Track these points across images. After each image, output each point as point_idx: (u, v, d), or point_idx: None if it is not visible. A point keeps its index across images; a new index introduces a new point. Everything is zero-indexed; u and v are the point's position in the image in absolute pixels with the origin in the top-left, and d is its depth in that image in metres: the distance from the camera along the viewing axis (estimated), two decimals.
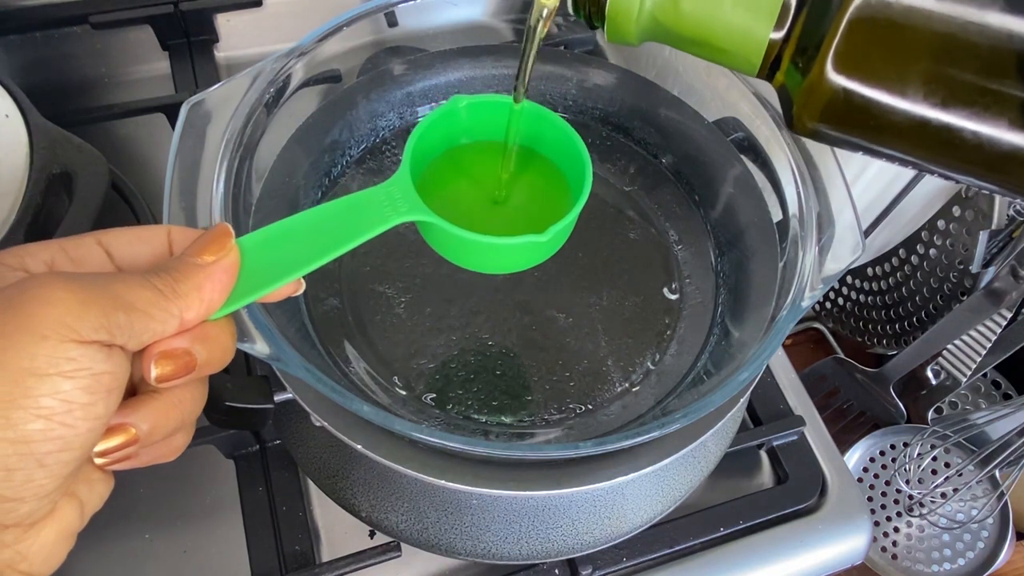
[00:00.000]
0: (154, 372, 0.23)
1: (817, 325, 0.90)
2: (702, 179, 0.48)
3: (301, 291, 0.28)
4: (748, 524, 0.47)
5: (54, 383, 0.20)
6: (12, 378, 0.20)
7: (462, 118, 0.36)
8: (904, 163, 0.27)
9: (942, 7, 0.24)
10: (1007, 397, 0.84)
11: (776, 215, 0.43)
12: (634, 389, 0.41)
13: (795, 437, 0.50)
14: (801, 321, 0.37)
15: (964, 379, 0.72)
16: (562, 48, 0.58)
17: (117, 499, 0.45)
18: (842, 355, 0.85)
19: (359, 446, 0.34)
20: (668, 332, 0.43)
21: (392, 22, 0.46)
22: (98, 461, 0.24)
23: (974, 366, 0.71)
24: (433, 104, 0.50)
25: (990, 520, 0.76)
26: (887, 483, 0.79)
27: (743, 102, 0.43)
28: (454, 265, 0.34)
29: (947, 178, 0.27)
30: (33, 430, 0.20)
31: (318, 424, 0.35)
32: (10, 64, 0.61)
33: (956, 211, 0.68)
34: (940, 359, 0.73)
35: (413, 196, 0.32)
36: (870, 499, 0.79)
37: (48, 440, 0.20)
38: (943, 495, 0.76)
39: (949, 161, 0.26)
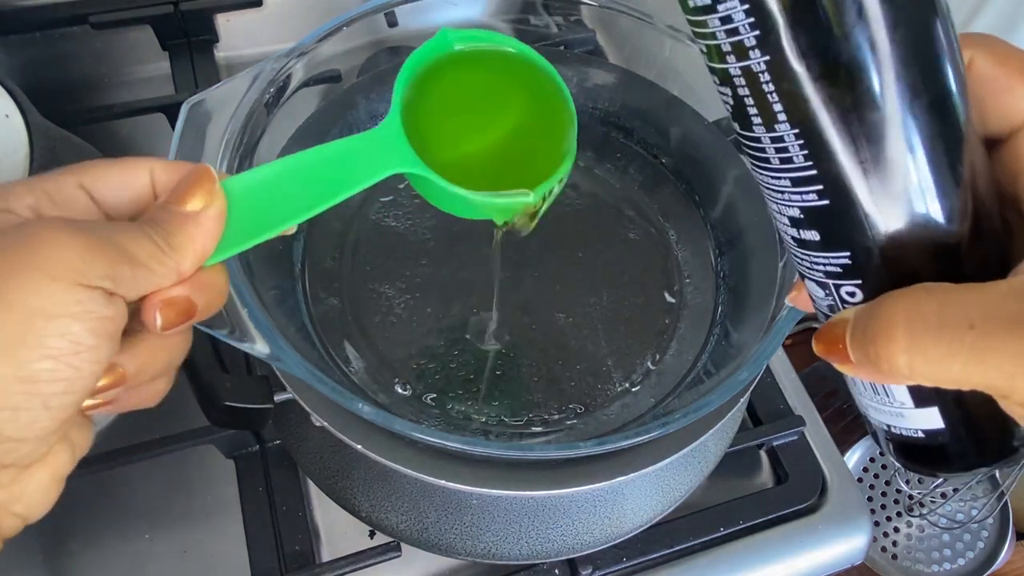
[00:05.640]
0: (159, 321, 0.24)
1: (817, 325, 0.90)
2: (702, 179, 0.48)
3: (292, 232, 0.28)
4: (748, 524, 0.47)
5: (64, 324, 0.20)
6: (21, 317, 0.20)
7: (453, 55, 0.35)
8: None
9: None
10: None
11: None
12: (634, 389, 0.41)
13: (795, 437, 0.50)
14: (801, 321, 0.37)
15: None
16: (562, 48, 0.58)
17: (117, 499, 0.46)
18: None
19: (359, 446, 0.34)
20: (668, 332, 0.43)
21: (392, 22, 0.46)
22: (86, 402, 0.24)
23: None
24: None
25: (990, 520, 0.76)
26: (887, 483, 0.79)
27: None
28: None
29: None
30: (41, 370, 0.20)
31: (318, 424, 0.35)
32: (10, 64, 0.61)
33: None
34: None
35: (405, 147, 0.31)
36: (870, 499, 0.79)
37: (55, 381, 0.21)
38: (943, 495, 0.76)
39: None
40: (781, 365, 0.54)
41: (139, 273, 0.23)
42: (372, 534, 0.45)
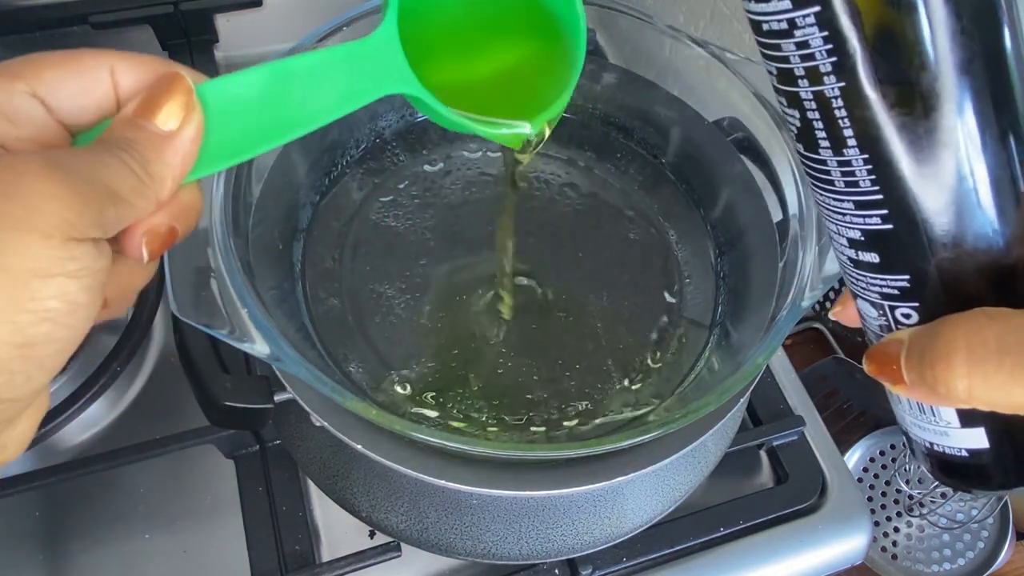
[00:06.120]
0: (145, 254, 0.23)
1: (817, 325, 0.90)
2: (702, 179, 0.48)
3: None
4: (748, 524, 0.47)
5: (60, 284, 0.19)
6: (16, 280, 0.19)
7: None
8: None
9: None
10: None
11: (776, 215, 0.43)
12: (634, 388, 0.41)
13: (795, 437, 0.50)
14: (801, 321, 0.37)
15: None
16: None
17: (117, 499, 0.46)
18: (842, 355, 0.85)
19: (359, 446, 0.34)
20: (668, 332, 0.43)
21: None
22: None
23: None
24: None
25: (990, 520, 0.76)
26: (887, 483, 0.79)
27: (743, 102, 0.43)
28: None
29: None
30: (39, 333, 0.19)
31: (318, 424, 0.35)
32: None
33: None
34: None
35: (401, 62, 0.28)
36: (870, 499, 0.79)
37: (51, 342, 0.20)
38: (943, 495, 0.76)
39: None
40: (781, 365, 0.54)
41: (122, 210, 0.21)
42: (372, 534, 0.45)
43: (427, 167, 0.49)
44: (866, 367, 0.24)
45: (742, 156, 0.45)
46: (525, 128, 0.32)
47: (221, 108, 0.24)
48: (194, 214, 0.24)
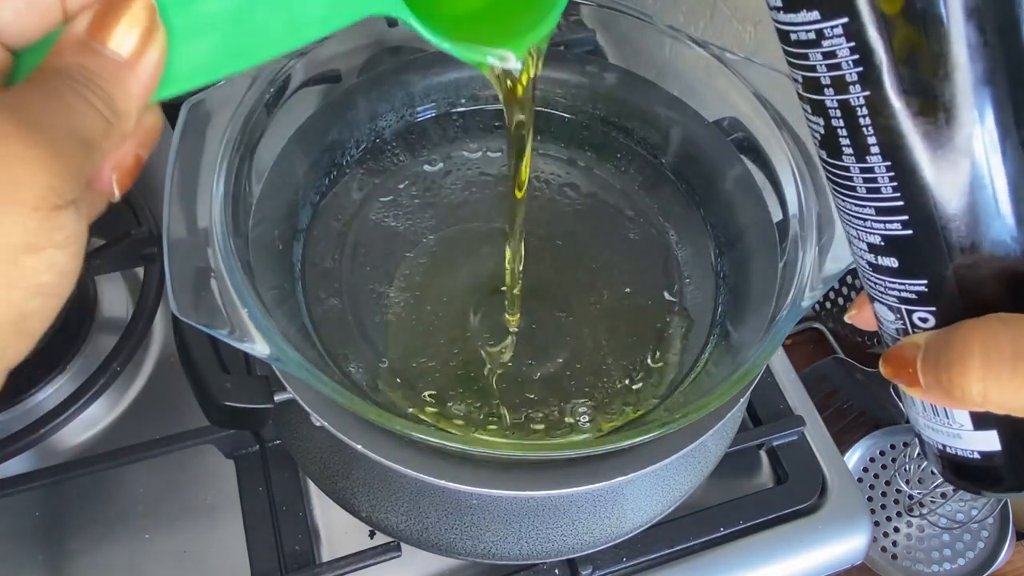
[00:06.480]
0: (116, 189, 0.22)
1: (817, 325, 0.90)
2: (702, 179, 0.48)
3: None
4: (748, 524, 0.47)
5: (49, 256, 0.19)
6: (6, 257, 0.18)
7: None
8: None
9: None
10: None
11: (776, 215, 0.43)
12: (634, 388, 0.41)
13: (795, 437, 0.50)
14: (801, 321, 0.37)
15: None
16: (562, 48, 0.58)
17: (117, 499, 0.46)
18: (842, 355, 0.85)
19: (359, 446, 0.34)
20: (668, 332, 0.43)
21: (392, 22, 0.46)
22: None
23: None
24: (433, 104, 0.50)
25: (990, 520, 0.76)
26: (887, 483, 0.79)
27: (743, 102, 0.43)
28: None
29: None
30: (31, 308, 0.19)
31: (318, 424, 0.35)
32: None
33: None
34: None
35: None
36: (870, 499, 0.79)
37: (43, 312, 0.20)
38: (943, 495, 0.76)
39: None
40: (781, 365, 0.54)
41: (95, 159, 0.20)
42: (372, 534, 0.45)
43: (427, 167, 0.49)
44: (883, 370, 0.24)
45: (742, 156, 0.45)
46: (510, 56, 0.31)
47: (187, 24, 0.22)
48: (155, 135, 0.23)
